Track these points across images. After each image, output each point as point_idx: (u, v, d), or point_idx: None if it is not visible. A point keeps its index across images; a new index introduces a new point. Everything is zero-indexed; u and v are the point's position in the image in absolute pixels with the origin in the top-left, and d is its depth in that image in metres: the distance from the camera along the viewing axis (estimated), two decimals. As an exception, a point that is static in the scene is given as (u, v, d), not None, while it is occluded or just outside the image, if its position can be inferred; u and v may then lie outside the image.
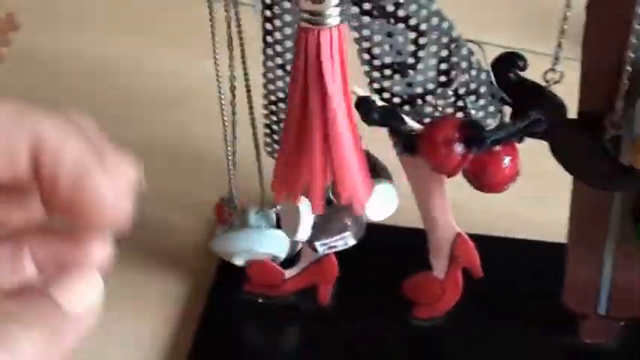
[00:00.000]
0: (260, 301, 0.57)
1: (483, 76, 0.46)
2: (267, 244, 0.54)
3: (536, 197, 0.61)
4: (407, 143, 0.46)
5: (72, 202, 0.28)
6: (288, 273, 0.56)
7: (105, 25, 0.78)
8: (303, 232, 0.47)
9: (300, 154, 0.41)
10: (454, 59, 0.45)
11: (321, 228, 0.48)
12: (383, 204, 0.49)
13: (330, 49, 0.37)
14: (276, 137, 0.49)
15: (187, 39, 0.72)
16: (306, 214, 0.47)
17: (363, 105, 0.43)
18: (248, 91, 0.49)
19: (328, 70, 0.37)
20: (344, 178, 0.40)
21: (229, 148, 0.50)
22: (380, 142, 0.48)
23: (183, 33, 0.74)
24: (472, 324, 0.57)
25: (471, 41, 0.45)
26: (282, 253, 0.54)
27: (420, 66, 0.45)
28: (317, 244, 0.48)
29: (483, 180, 0.46)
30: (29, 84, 0.72)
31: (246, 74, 0.48)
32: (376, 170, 0.50)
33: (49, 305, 0.28)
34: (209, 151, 0.67)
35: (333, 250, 0.50)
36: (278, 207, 0.53)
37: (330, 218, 0.47)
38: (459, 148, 0.44)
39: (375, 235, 0.52)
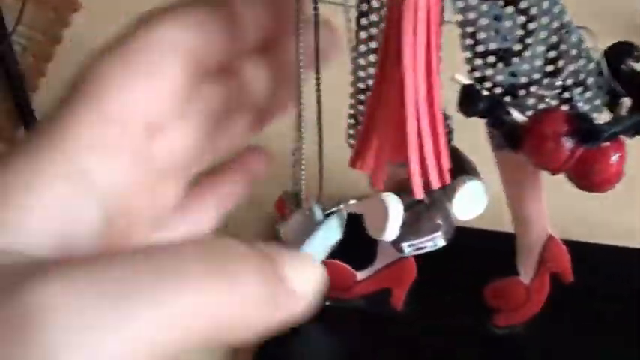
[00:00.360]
0: (327, 303, 0.54)
1: (592, 66, 0.42)
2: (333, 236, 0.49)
3: (615, 201, 0.57)
4: (508, 137, 0.42)
5: None
6: (361, 275, 0.52)
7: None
8: (392, 231, 0.43)
9: (375, 128, 0.37)
10: (563, 47, 0.41)
11: (411, 227, 0.44)
12: (472, 203, 0.45)
13: (413, 22, 0.33)
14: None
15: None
16: (395, 212, 0.43)
17: (468, 93, 0.40)
18: (318, 86, 0.44)
19: (408, 44, 0.33)
20: (412, 157, 0.36)
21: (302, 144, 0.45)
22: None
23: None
24: (552, 333, 0.53)
25: (582, 27, 0.41)
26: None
27: (526, 53, 0.41)
28: (404, 244, 0.44)
29: (589, 178, 0.43)
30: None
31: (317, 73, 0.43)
32: (464, 167, 0.46)
33: (277, 273, 0.24)
34: (268, 144, 0.63)
35: (421, 251, 0.46)
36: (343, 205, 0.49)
37: (420, 217, 0.44)
38: (567, 142, 0.40)
39: (459, 237, 0.48)
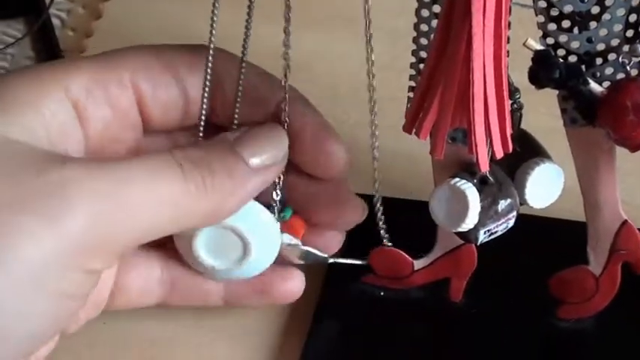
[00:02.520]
0: (382, 294, 0.50)
1: (677, 32, 0.39)
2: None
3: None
4: (585, 110, 0.39)
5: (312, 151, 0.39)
6: (418, 264, 0.49)
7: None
8: (472, 219, 0.40)
9: (436, 89, 0.35)
10: (646, 10, 0.38)
11: (489, 211, 0.40)
12: (546, 187, 0.42)
13: None
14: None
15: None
16: (474, 198, 0.39)
17: (544, 59, 0.36)
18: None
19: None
20: (477, 119, 0.33)
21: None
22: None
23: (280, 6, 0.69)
24: (622, 328, 0.49)
25: (666, -12, 0.38)
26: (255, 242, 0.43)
27: (605, 17, 0.38)
28: (481, 231, 0.41)
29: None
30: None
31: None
32: (536, 150, 0.43)
33: (234, 158, 0.34)
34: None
35: (493, 237, 0.42)
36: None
37: (496, 199, 0.40)
38: (650, 116, 0.37)
39: (519, 225, 0.45)
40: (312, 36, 0.68)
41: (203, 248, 0.40)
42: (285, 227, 0.42)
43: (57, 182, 0.29)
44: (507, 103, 0.35)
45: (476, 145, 0.34)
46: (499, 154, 0.36)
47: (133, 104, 0.36)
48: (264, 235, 0.41)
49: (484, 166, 0.35)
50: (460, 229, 0.40)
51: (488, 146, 0.35)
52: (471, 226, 0.40)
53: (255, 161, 0.35)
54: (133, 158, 0.33)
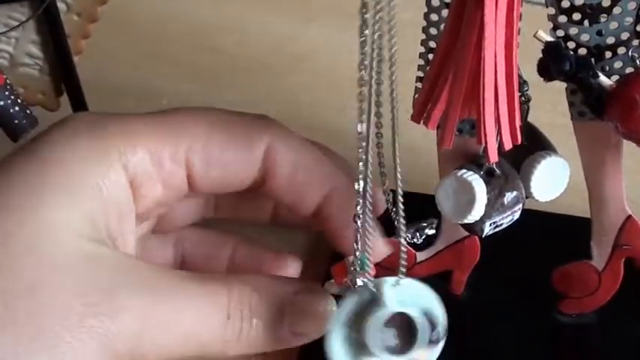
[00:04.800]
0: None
1: (687, 26, 0.39)
2: None
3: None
4: (593, 103, 0.39)
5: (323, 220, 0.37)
6: (421, 256, 0.49)
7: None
8: (479, 211, 0.40)
9: (445, 78, 0.35)
10: (657, 4, 0.38)
11: (495, 203, 0.40)
12: (552, 181, 0.42)
13: None
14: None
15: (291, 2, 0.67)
16: (481, 189, 0.39)
17: (554, 50, 0.36)
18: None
19: None
20: (487, 110, 0.33)
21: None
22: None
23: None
24: (624, 323, 0.49)
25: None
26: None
27: (616, 10, 0.38)
28: (487, 223, 0.41)
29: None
30: (124, 47, 0.66)
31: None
32: (542, 143, 0.43)
33: (280, 325, 0.34)
34: (318, 119, 0.61)
35: (498, 229, 0.42)
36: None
37: (502, 191, 0.40)
38: (659, 110, 0.37)
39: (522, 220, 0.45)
40: (316, 28, 0.68)
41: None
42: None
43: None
44: (517, 93, 0.35)
45: (485, 135, 0.34)
46: (508, 145, 0.36)
47: (184, 180, 0.34)
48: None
49: (493, 157, 0.35)
50: (466, 221, 0.40)
51: (497, 137, 0.35)
52: (477, 218, 0.40)
53: (297, 330, 0.34)
54: (187, 284, 0.32)
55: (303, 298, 0.34)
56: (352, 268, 0.32)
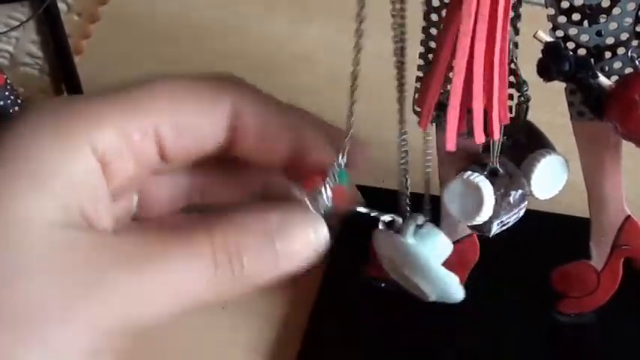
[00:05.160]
0: (382, 285, 0.50)
1: (686, 27, 0.39)
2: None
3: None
4: (593, 103, 0.39)
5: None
6: (420, 255, 0.49)
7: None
8: (487, 212, 0.40)
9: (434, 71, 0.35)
10: (656, 4, 0.38)
11: (502, 202, 0.40)
12: (551, 179, 0.42)
13: None
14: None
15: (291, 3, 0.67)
16: (489, 190, 0.39)
17: (554, 51, 0.36)
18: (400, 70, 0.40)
19: None
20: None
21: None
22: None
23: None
24: (623, 323, 0.49)
25: (676, -17, 0.38)
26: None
27: (615, 11, 0.38)
28: (494, 223, 0.41)
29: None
30: (124, 47, 0.67)
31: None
32: (542, 142, 0.43)
33: (271, 254, 0.32)
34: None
35: (505, 228, 0.42)
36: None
37: (508, 189, 0.40)
38: (658, 110, 0.37)
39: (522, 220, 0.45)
40: (316, 27, 0.68)
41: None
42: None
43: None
44: (502, 92, 0.34)
45: (447, 121, 0.34)
46: (479, 140, 0.35)
47: (156, 152, 0.34)
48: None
49: (450, 146, 0.35)
50: (475, 222, 0.40)
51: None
52: (486, 219, 0.40)
53: (292, 253, 0.33)
54: (169, 247, 0.31)
55: (292, 222, 0.33)
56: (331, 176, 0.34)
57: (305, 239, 0.33)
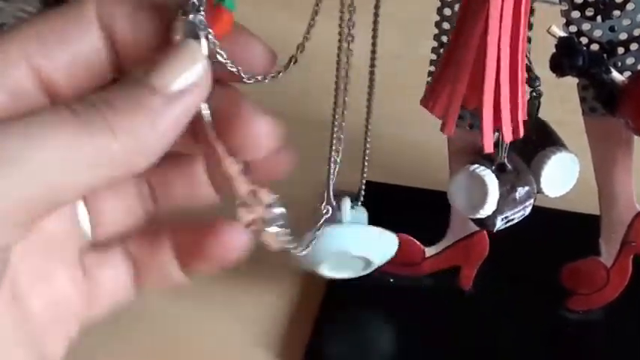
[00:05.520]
0: (391, 281, 0.50)
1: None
2: (364, 245, 0.44)
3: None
4: (606, 99, 0.39)
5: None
6: (429, 251, 0.49)
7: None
8: (491, 205, 0.40)
9: (452, 68, 0.35)
10: (670, 0, 0.38)
11: (507, 198, 0.40)
12: (561, 176, 0.42)
13: None
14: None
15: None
16: (493, 184, 0.39)
17: (567, 46, 0.36)
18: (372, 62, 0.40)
19: None
20: (486, 100, 0.34)
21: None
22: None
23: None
24: (632, 320, 0.49)
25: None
26: (377, 259, 0.45)
27: (629, 6, 0.38)
28: (499, 218, 0.41)
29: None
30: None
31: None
32: (553, 139, 0.43)
33: (141, 89, 0.28)
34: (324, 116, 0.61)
35: (510, 224, 0.42)
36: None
37: (514, 185, 0.40)
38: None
39: (531, 216, 0.45)
40: (320, 24, 0.68)
41: (327, 270, 0.45)
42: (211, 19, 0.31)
43: None
44: (522, 87, 0.35)
45: (482, 125, 0.34)
46: (508, 138, 0.36)
47: (35, 83, 0.31)
48: (385, 251, 0.45)
49: (488, 147, 0.35)
50: (478, 216, 0.40)
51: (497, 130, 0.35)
52: (490, 213, 0.40)
53: (167, 86, 0.28)
54: (20, 120, 0.28)
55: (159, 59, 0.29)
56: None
57: (181, 66, 0.29)
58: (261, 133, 0.31)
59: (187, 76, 0.29)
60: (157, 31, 0.31)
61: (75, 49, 0.31)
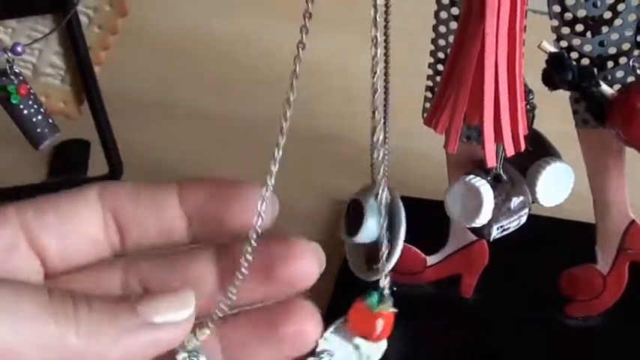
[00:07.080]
0: (394, 289, 0.51)
1: (687, 37, 0.40)
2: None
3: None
4: (596, 111, 0.40)
5: None
6: (431, 259, 0.50)
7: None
8: (486, 215, 0.41)
9: (453, 86, 0.36)
10: (657, 15, 0.39)
11: (502, 207, 0.42)
12: (556, 186, 0.43)
13: None
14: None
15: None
16: (488, 194, 0.41)
17: (557, 61, 0.38)
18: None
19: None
20: (486, 117, 0.35)
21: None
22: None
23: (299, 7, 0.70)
24: (629, 326, 0.50)
25: (676, -4, 0.39)
26: None
27: (617, 22, 0.39)
28: (494, 227, 0.42)
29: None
30: (142, 58, 0.68)
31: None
32: (548, 150, 0.44)
33: (123, 305, 0.29)
34: (331, 127, 0.62)
35: (505, 233, 0.43)
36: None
37: (509, 195, 0.42)
38: (660, 117, 0.38)
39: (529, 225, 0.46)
40: (326, 36, 0.70)
41: None
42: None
43: None
44: (521, 103, 0.36)
45: (484, 141, 0.35)
46: (510, 151, 0.37)
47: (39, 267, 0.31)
48: None
49: (491, 162, 0.36)
50: (474, 225, 0.42)
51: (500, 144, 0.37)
52: (485, 222, 0.41)
53: (148, 313, 0.29)
54: None
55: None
56: None
57: (169, 305, 0.29)
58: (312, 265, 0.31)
59: (172, 316, 0.29)
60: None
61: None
